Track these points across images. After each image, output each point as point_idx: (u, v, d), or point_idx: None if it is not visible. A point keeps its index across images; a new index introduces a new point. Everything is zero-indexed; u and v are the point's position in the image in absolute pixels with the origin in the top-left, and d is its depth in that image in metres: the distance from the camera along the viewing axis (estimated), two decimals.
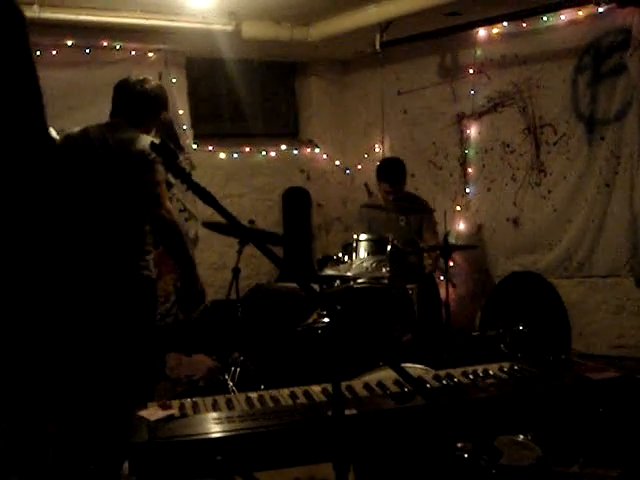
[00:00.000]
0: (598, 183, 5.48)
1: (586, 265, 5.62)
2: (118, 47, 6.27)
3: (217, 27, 5.89)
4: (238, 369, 4.95)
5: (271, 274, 7.03)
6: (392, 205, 5.70)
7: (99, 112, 6.20)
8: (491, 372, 2.57)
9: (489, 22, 5.80)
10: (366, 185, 7.15)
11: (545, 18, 5.62)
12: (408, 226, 5.76)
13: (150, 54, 6.48)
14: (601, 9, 5.28)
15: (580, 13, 5.45)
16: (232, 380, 4.69)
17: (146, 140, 3.76)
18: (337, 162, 7.65)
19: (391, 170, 5.82)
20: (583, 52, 5.54)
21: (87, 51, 6.16)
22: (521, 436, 3.18)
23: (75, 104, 6.13)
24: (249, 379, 4.90)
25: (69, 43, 6.01)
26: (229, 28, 5.92)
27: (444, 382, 2.49)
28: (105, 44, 6.18)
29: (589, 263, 5.60)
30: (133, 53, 6.40)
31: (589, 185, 5.55)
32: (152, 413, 2.21)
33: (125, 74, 6.29)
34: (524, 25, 5.81)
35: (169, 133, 6.53)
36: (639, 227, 5.26)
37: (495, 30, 6.03)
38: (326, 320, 4.49)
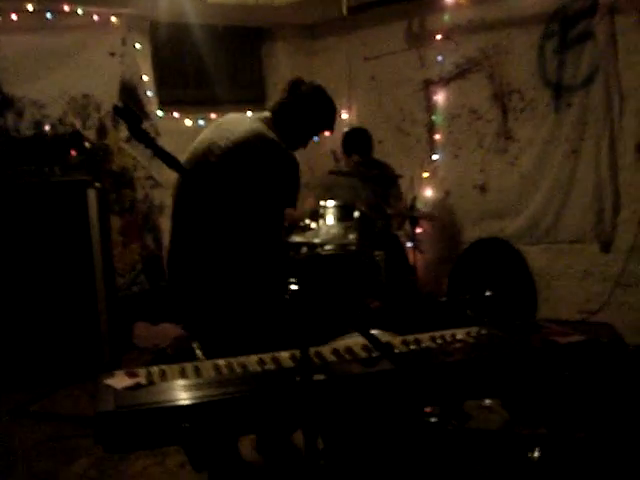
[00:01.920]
0: (565, 149, 5.51)
1: (552, 231, 5.66)
2: (80, 12, 6.14)
3: None
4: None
5: None
6: (358, 171, 5.67)
7: (62, 78, 6.16)
8: (459, 337, 2.58)
9: None
10: (333, 152, 7.11)
11: None
12: (374, 192, 5.74)
13: (113, 19, 6.36)
14: None
15: None
16: (200, 348, 4.66)
17: None
18: None
19: (361, 141, 5.81)
20: (550, 18, 5.53)
21: (48, 16, 6.02)
22: (488, 400, 3.20)
23: (36, 70, 6.03)
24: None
25: (30, 8, 5.87)
26: None
27: (412, 347, 2.49)
28: (67, 9, 6.04)
29: (555, 229, 5.64)
30: (96, 18, 6.27)
31: (556, 151, 5.58)
32: (119, 381, 2.18)
33: (87, 39, 6.25)
34: None
35: (133, 99, 6.44)
36: (605, 193, 5.31)
37: None
38: (294, 287, 4.48)
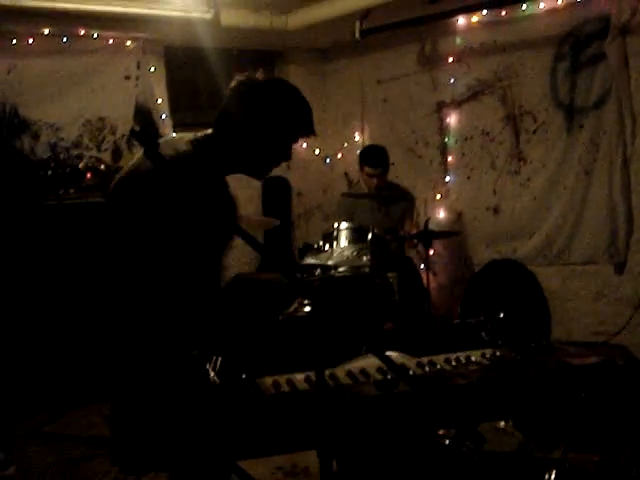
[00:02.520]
0: (577, 171, 5.51)
1: (565, 252, 5.65)
2: (95, 36, 6.21)
3: (196, 15, 5.86)
4: (219, 358, 4.92)
5: (251, 264, 7.01)
6: (373, 193, 5.69)
7: (77, 101, 6.21)
8: (473, 359, 2.57)
9: (469, 10, 5.81)
10: (346, 174, 7.14)
11: (524, 6, 5.63)
12: (389, 215, 5.76)
13: (128, 43, 6.42)
14: None
15: (559, 1, 5.47)
16: (213, 369, 4.67)
17: None
18: (317, 151, 7.63)
19: (375, 153, 5.83)
20: (562, 40, 5.55)
21: (64, 40, 6.09)
22: (502, 422, 3.19)
23: (52, 93, 6.08)
24: (230, 368, 4.88)
25: (46, 31, 5.94)
26: (208, 16, 5.89)
27: (427, 369, 2.49)
28: (82, 32, 6.11)
29: (568, 250, 5.63)
30: (111, 42, 6.33)
31: (568, 173, 5.58)
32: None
33: (103, 62, 6.31)
34: (503, 13, 5.82)
35: (148, 122, 6.49)
36: (618, 214, 5.30)
37: (475, 18, 6.03)
38: (308, 309, 4.50)
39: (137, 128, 2.02)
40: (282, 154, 2.64)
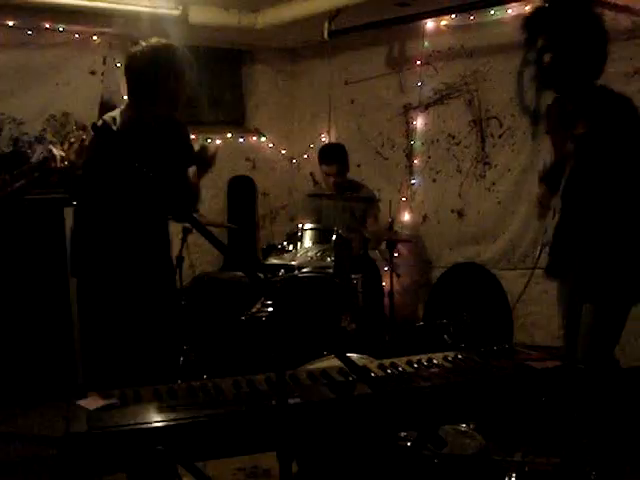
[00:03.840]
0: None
1: (529, 257, 5.67)
2: (61, 29, 6.11)
3: (164, 11, 5.80)
4: (181, 358, 4.90)
5: (215, 263, 6.96)
6: (335, 193, 5.68)
7: (41, 95, 6.12)
8: (435, 361, 2.57)
9: (437, 14, 5.82)
10: (312, 174, 7.12)
11: (492, 11, 5.65)
12: (352, 215, 5.75)
13: (94, 37, 6.33)
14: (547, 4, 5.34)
15: (527, 8, 5.49)
16: None
17: None
18: (283, 151, 7.60)
19: (330, 151, 5.86)
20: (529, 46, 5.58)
21: (29, 32, 5.98)
22: (463, 425, 3.20)
23: (16, 87, 5.98)
24: (192, 368, 4.85)
25: (10, 24, 5.84)
26: (176, 13, 5.83)
27: (388, 371, 2.49)
28: (48, 26, 6.01)
29: (532, 255, 5.66)
30: (77, 36, 6.24)
31: (533, 178, 5.57)
32: (92, 402, 2.16)
33: (68, 57, 6.22)
34: (472, 18, 5.83)
35: None
36: None
37: (443, 22, 6.04)
38: (270, 309, 4.48)
39: (100, 123, 1.99)
40: (174, 99, 3.61)
